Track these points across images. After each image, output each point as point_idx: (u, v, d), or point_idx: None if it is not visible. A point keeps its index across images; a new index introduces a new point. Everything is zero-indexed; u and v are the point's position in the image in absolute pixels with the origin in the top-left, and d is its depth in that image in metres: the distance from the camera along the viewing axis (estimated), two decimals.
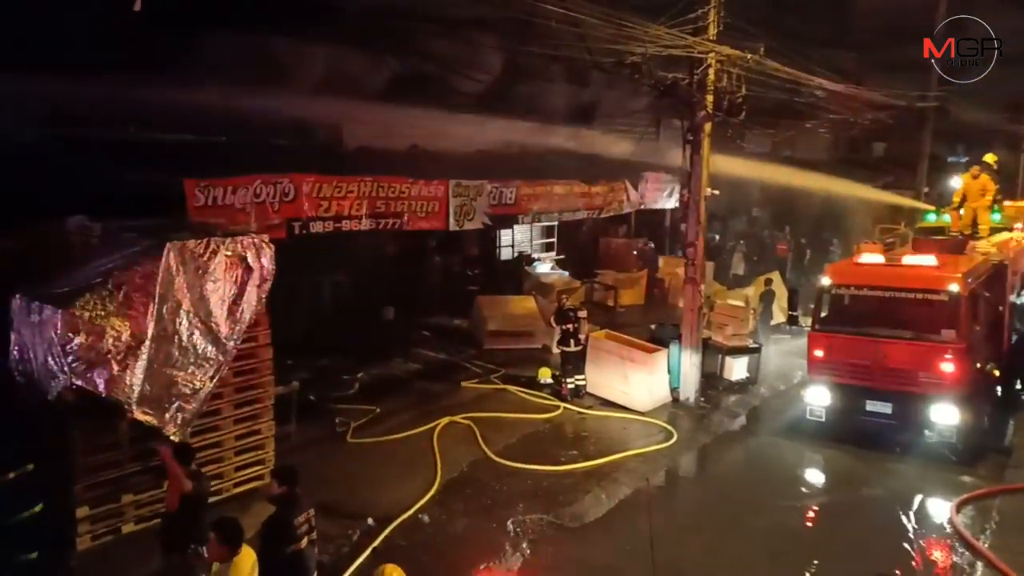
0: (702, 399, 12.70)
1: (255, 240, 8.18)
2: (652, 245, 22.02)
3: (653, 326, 13.97)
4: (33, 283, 7.18)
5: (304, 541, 5.94)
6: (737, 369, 13.79)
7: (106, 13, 8.89)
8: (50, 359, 6.75)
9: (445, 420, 11.28)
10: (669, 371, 12.66)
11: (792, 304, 12.33)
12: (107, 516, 7.50)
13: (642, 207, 19.47)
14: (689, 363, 12.53)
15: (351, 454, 10.30)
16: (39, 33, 9.18)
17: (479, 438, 10.75)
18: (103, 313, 6.78)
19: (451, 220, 13.51)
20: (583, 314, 12.79)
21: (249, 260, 8.03)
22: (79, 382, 6.70)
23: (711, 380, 13.31)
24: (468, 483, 9.59)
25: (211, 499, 8.12)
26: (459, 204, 13.58)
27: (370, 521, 8.36)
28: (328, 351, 13.66)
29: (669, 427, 11.55)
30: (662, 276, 20.45)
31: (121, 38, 9.57)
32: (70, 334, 6.58)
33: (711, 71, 11.73)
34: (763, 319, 16.07)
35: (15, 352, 7.12)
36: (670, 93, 11.90)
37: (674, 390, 12.69)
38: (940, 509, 9.37)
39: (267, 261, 8.22)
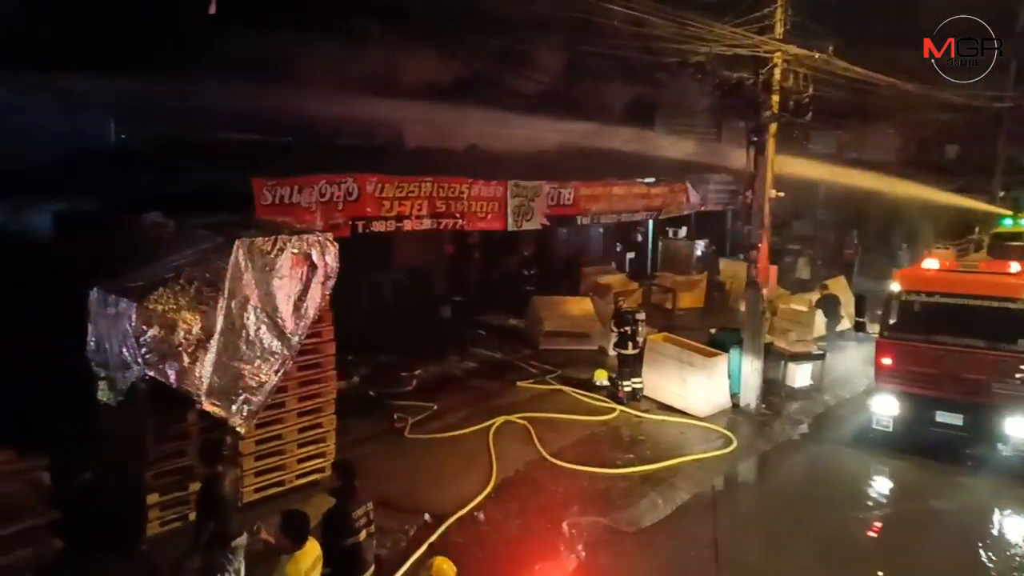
0: (763, 406, 12.44)
1: (320, 238, 8.34)
2: (713, 247, 21.68)
3: (713, 330, 13.74)
4: (110, 277, 7.46)
5: (363, 534, 6.02)
6: (800, 376, 13.47)
7: (180, 15, 9.23)
8: (124, 350, 7.00)
9: (501, 419, 11.31)
10: (729, 376, 12.43)
11: (859, 310, 11.96)
12: (175, 503, 7.74)
13: (703, 209, 19.17)
14: (750, 368, 12.28)
15: (409, 450, 10.42)
16: (117, 35, 9.55)
17: (535, 438, 10.75)
18: (175, 307, 7.00)
19: (509, 220, 13.52)
20: (641, 317, 12.65)
21: (314, 257, 8.20)
22: (151, 373, 6.92)
23: (773, 386, 13.03)
24: (523, 483, 9.59)
25: (274, 490, 8.43)
26: (517, 204, 13.58)
27: (427, 516, 8.44)
28: (387, 348, 13.85)
29: (728, 433, 11.34)
30: (723, 279, 20.10)
31: (194, 40, 9.90)
32: (144, 327, 6.81)
33: (777, 71, 11.49)
34: (830, 325, 15.64)
35: (92, 343, 7.40)
36: (734, 93, 11.73)
37: (734, 396, 12.46)
38: (1015, 526, 8.99)
39: (331, 259, 8.38)
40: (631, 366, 12.46)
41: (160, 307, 6.92)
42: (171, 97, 9.94)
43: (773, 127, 11.86)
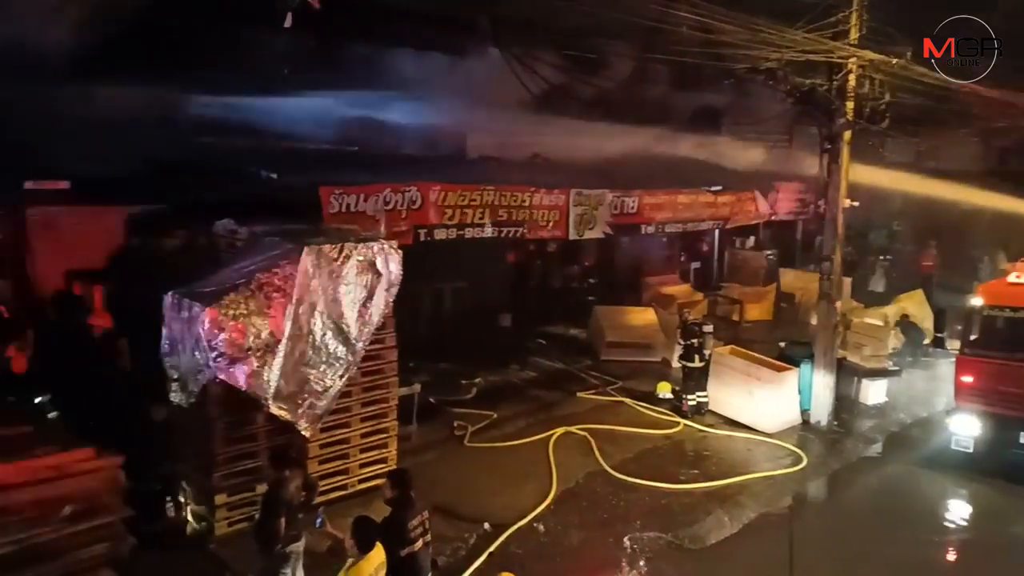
0: (835, 423, 11.99)
1: (384, 246, 8.43)
2: (772, 257, 21.10)
3: (782, 343, 13.34)
4: (184, 282, 7.70)
5: (418, 543, 5.98)
6: (874, 392, 12.96)
7: (250, 29, 9.50)
8: (197, 353, 7.17)
9: (560, 430, 11.20)
10: (799, 392, 12.04)
11: (938, 325, 11.44)
12: (242, 504, 7.89)
13: (772, 218, 18.71)
14: (822, 384, 11.87)
15: (468, 457, 10.41)
16: (194, 50, 9.88)
17: (595, 450, 10.61)
18: (246, 312, 7.16)
19: (571, 229, 13.45)
20: (709, 329, 12.35)
21: (378, 265, 8.29)
22: (222, 376, 7.09)
23: (845, 403, 12.54)
24: (583, 495, 9.47)
25: (336, 494, 8.51)
26: (580, 213, 13.51)
27: (486, 526, 8.41)
28: (447, 355, 13.92)
29: (798, 451, 10.97)
30: (792, 291, 19.54)
31: (266, 54, 10.18)
32: (216, 331, 6.97)
33: (852, 77, 11.12)
34: (913, 344, 14.98)
35: (166, 345, 7.61)
36: (807, 100, 11.38)
37: (804, 412, 12.05)
38: None
39: (395, 266, 8.46)
40: (696, 379, 12.19)
41: (231, 312, 7.08)
42: (245, 107, 10.24)
43: (848, 134, 11.47)
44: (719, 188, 17.10)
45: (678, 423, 11.85)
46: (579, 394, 13.08)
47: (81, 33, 8.91)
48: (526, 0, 10.34)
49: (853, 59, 10.99)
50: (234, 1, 8.88)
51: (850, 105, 11.24)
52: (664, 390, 12.83)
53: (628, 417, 12.09)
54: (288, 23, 6.54)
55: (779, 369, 11.94)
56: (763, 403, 11.71)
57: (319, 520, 6.11)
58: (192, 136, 10.21)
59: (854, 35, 10.96)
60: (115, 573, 6.40)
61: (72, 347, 8.88)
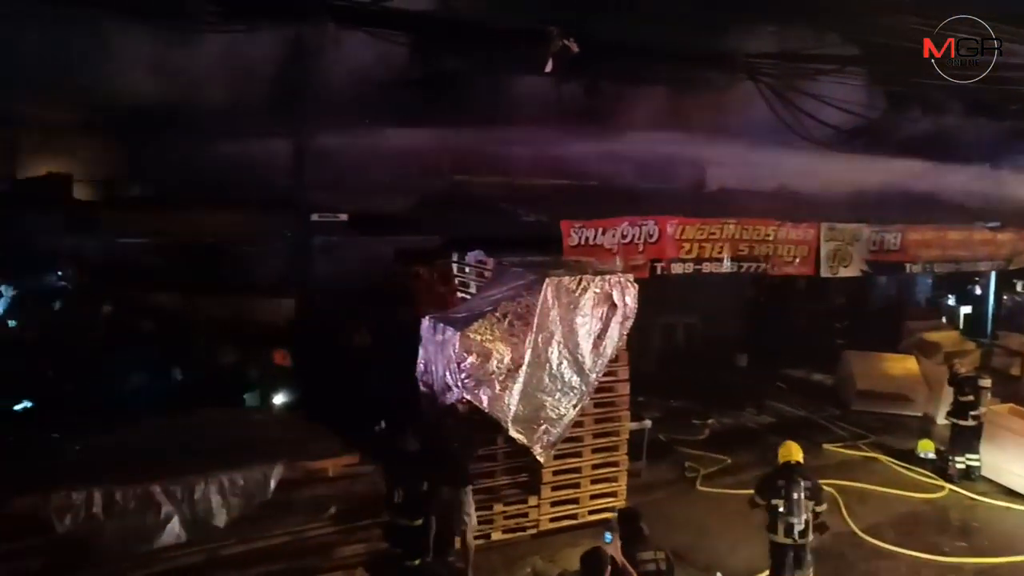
0: None
1: (620, 279, 8.56)
2: None
3: None
4: (439, 307, 8.34)
5: None
6: None
7: (507, 75, 10.15)
8: (447, 374, 7.76)
9: None
10: None
11: None
12: (480, 522, 8.23)
13: None
14: None
15: (700, 501, 10.05)
16: (456, 95, 10.77)
17: (843, 509, 9.71)
18: (491, 338, 7.63)
19: (822, 266, 12.57)
20: (985, 383, 10.87)
21: (615, 298, 8.42)
22: (468, 397, 7.60)
23: None
24: (829, 557, 8.61)
25: (567, 523, 8.63)
26: (832, 249, 12.59)
27: (718, 575, 8.05)
28: (678, 393, 13.60)
29: None
30: None
31: (512, 99, 10.80)
32: (464, 353, 7.50)
33: None
34: None
35: (422, 365, 8.32)
36: None
37: None
38: None
39: (630, 299, 8.54)
40: (967, 440, 10.74)
41: (479, 337, 7.58)
42: (493, 148, 10.93)
43: None
44: (998, 224, 15.14)
45: (943, 487, 10.52)
46: (824, 446, 12.08)
47: (359, 84, 10.07)
48: (787, 31, 9.94)
49: None
50: (497, 49, 9.53)
51: None
52: (927, 449, 11.46)
53: (882, 476, 10.96)
54: (548, 68, 6.88)
55: None
56: None
57: (608, 536, 6.17)
58: (451, 174, 11.08)
59: None
60: (367, 574, 6.98)
61: (339, 362, 9.95)
